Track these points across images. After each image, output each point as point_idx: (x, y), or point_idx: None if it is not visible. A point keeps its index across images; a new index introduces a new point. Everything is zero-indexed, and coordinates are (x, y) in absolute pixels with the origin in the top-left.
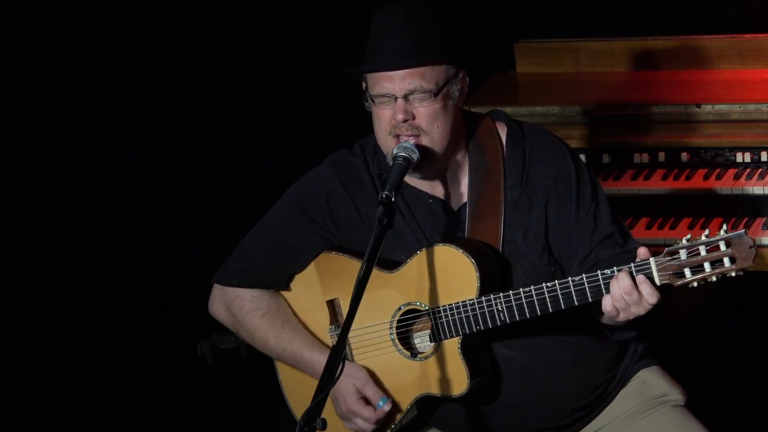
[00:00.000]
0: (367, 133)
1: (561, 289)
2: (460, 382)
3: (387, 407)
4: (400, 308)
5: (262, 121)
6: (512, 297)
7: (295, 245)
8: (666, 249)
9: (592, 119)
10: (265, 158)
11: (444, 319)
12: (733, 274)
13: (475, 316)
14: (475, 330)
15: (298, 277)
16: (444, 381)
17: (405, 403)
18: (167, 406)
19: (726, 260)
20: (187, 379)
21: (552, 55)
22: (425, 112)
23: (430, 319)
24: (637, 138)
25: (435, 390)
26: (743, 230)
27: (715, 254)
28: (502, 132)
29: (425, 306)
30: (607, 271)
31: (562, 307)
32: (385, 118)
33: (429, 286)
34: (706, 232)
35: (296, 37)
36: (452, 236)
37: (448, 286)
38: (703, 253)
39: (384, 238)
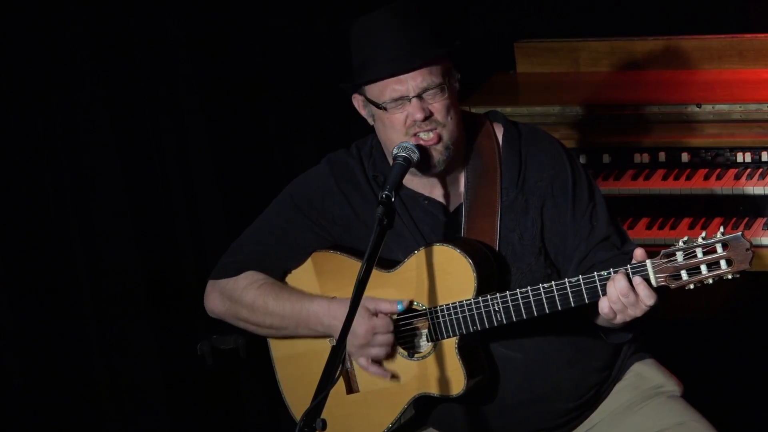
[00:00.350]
0: (365, 134)
1: (558, 290)
2: (457, 382)
3: (406, 304)
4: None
5: (262, 121)
6: (509, 298)
7: (290, 242)
8: (662, 251)
9: (592, 119)
10: (265, 159)
11: (441, 319)
12: (730, 276)
13: (471, 316)
14: (471, 330)
15: (295, 276)
16: (441, 381)
17: (402, 403)
18: (167, 406)
19: (723, 263)
20: (186, 379)
21: (552, 55)
22: (441, 106)
23: (428, 318)
24: (638, 138)
25: (432, 390)
26: (740, 232)
27: (711, 256)
28: (499, 133)
29: (423, 306)
30: (604, 273)
31: (559, 308)
32: (398, 122)
33: (426, 285)
34: (703, 234)
35: (295, 37)
36: (449, 237)
37: (446, 286)
38: (699, 255)
39: (384, 238)
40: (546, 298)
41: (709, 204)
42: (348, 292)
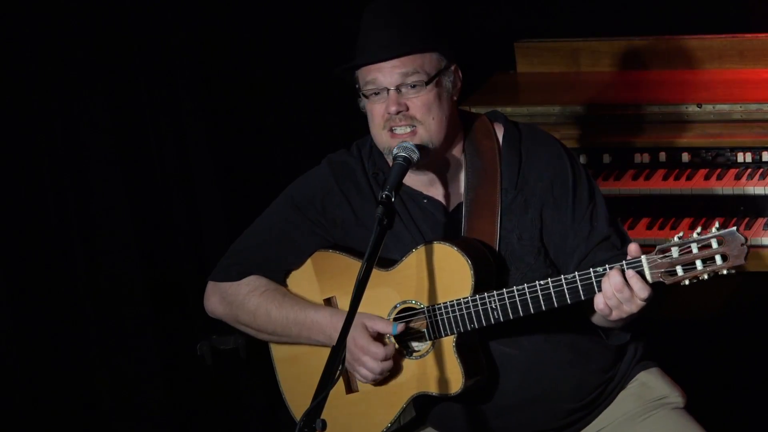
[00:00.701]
0: (365, 133)
1: (554, 287)
2: (455, 381)
3: (401, 328)
4: (396, 306)
5: (261, 121)
6: (506, 295)
7: (290, 243)
8: (657, 246)
9: (592, 119)
10: (265, 159)
11: (439, 318)
12: (725, 272)
13: (469, 314)
14: (469, 328)
15: (295, 275)
16: (439, 379)
17: (401, 402)
18: (167, 406)
19: (718, 258)
20: (186, 379)
21: (552, 55)
22: (419, 102)
23: (426, 317)
24: (638, 138)
25: (431, 388)
26: (734, 228)
27: (706, 252)
28: (499, 133)
29: (421, 304)
30: (599, 269)
31: (555, 305)
32: (378, 113)
33: (425, 284)
34: (699, 229)
35: (295, 37)
36: (448, 236)
37: (444, 285)
38: (694, 250)
39: (384, 238)
40: (542, 294)
41: (709, 204)
42: (348, 291)
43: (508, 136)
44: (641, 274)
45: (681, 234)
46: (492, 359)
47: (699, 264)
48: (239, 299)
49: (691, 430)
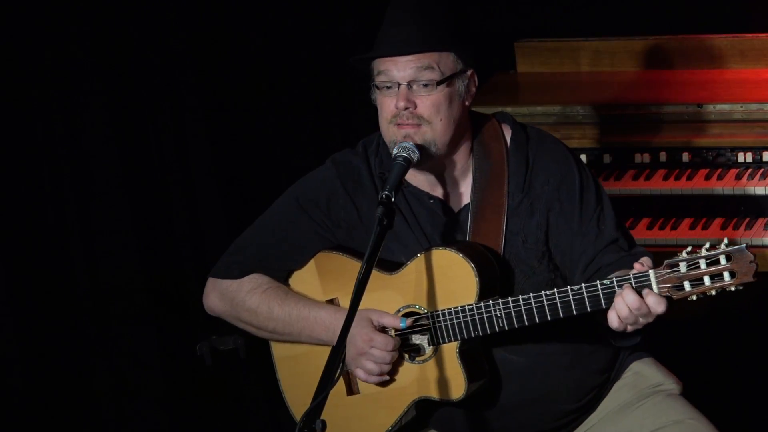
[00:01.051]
0: (368, 132)
1: (560, 298)
2: (458, 386)
3: (409, 322)
4: (399, 310)
5: (262, 120)
6: (511, 304)
7: (293, 243)
8: (666, 261)
9: (593, 119)
10: (265, 159)
11: (443, 324)
12: (733, 288)
13: (473, 321)
14: (473, 335)
15: (298, 276)
16: (442, 385)
17: (403, 406)
18: (167, 406)
19: (726, 274)
20: (186, 379)
21: (553, 55)
22: (428, 101)
23: (429, 322)
24: (639, 138)
25: (433, 393)
26: (744, 245)
27: (715, 268)
28: (507, 135)
29: (424, 309)
30: (606, 281)
31: (561, 315)
32: (387, 107)
33: (428, 289)
34: (707, 245)
35: (297, 35)
36: (452, 238)
37: (448, 291)
38: (703, 266)
39: (384, 238)
40: (548, 305)
41: (710, 204)
42: (349, 292)
43: (516, 138)
44: (649, 288)
45: (689, 249)
46: (494, 363)
47: (707, 280)
48: (240, 296)
49: (688, 413)
